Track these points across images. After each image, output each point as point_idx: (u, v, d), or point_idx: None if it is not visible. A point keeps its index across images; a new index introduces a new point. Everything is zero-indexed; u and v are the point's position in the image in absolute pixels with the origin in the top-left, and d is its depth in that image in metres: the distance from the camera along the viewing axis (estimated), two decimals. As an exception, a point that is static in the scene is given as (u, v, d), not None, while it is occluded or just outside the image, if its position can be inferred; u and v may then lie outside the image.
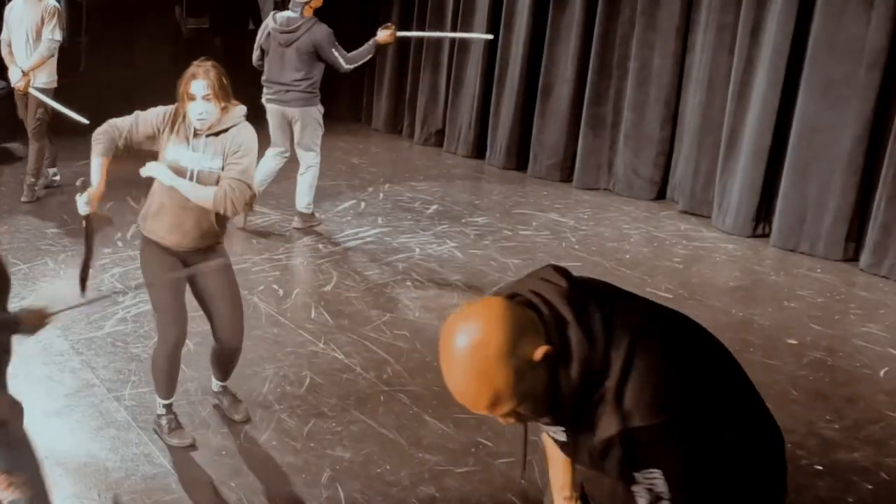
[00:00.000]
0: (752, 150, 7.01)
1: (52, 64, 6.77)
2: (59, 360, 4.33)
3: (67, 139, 8.16)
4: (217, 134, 3.43)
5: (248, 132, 3.48)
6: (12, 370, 4.21)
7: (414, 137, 10.43)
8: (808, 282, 6.15)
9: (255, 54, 6.75)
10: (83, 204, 3.36)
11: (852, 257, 6.57)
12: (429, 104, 10.22)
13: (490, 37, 8.29)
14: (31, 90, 6.65)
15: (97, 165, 3.41)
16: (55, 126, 7.08)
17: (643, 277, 6.00)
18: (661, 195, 8.16)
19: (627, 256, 6.51)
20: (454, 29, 9.72)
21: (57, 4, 6.73)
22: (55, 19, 6.65)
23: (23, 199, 6.95)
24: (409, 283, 5.70)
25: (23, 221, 6.65)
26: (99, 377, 4.18)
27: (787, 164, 6.84)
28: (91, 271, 3.53)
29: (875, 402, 4.39)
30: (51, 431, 3.71)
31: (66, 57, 7.53)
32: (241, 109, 3.53)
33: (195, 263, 3.54)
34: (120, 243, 6.11)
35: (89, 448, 3.60)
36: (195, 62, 3.43)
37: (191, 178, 3.40)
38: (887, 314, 5.59)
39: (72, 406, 3.92)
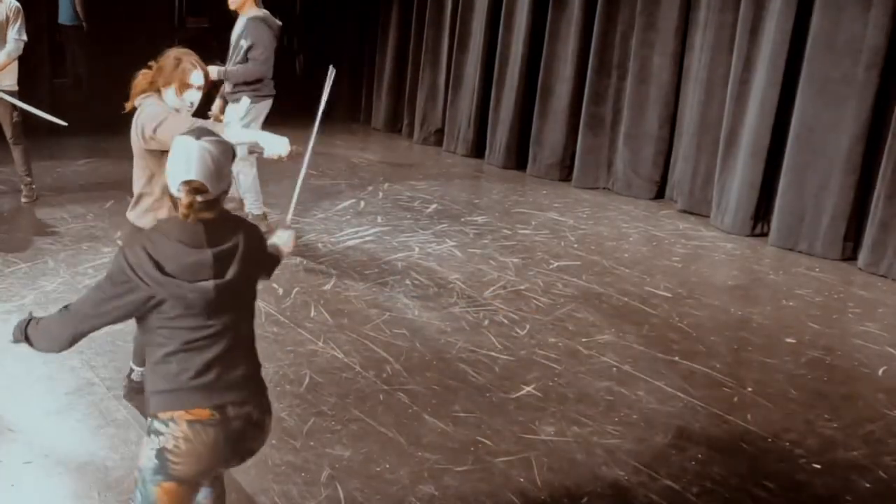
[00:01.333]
0: (751, 149, 7.03)
1: (15, 67, 6.65)
2: (60, 359, 4.33)
3: (67, 139, 8.18)
4: None
5: None
6: (11, 370, 4.24)
7: (413, 136, 10.44)
8: (807, 281, 6.16)
9: (269, 66, 6.27)
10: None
11: (850, 256, 6.59)
12: (428, 103, 10.23)
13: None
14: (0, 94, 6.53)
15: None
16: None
17: (642, 276, 6.01)
18: (660, 194, 8.18)
19: (626, 255, 6.52)
20: (453, 27, 9.74)
21: (19, 4, 6.61)
22: (20, 19, 6.53)
23: (23, 199, 6.95)
24: (408, 282, 5.70)
25: (23, 221, 6.66)
26: (99, 376, 4.19)
27: (785, 164, 6.85)
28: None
29: (873, 400, 4.40)
30: (51, 430, 3.72)
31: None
32: None
33: None
34: (120, 242, 6.11)
35: (89, 447, 3.60)
36: (178, 50, 3.52)
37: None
38: (886, 313, 5.60)
39: (72, 405, 3.92)
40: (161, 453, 2.28)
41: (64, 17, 10.40)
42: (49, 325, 2.41)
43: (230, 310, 2.34)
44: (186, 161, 2.26)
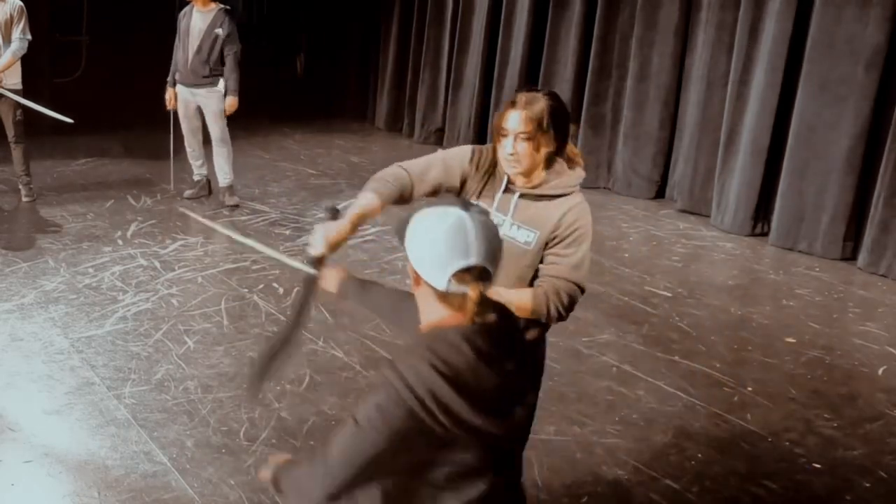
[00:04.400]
0: (751, 149, 7.03)
1: (18, 66, 6.66)
2: (60, 359, 4.34)
3: (67, 138, 8.18)
4: (539, 198, 2.54)
5: (584, 210, 2.54)
6: (12, 369, 4.24)
7: (414, 136, 10.45)
8: (807, 280, 6.16)
9: None
10: (319, 240, 2.50)
11: (850, 256, 6.59)
12: (429, 103, 10.23)
13: None
14: (4, 91, 6.53)
15: (364, 203, 2.54)
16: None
17: (642, 276, 6.01)
18: (660, 194, 8.18)
19: (626, 255, 6.52)
20: (454, 27, 9.75)
21: (22, 4, 6.63)
22: (24, 18, 6.57)
23: (24, 198, 6.95)
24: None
25: (23, 220, 6.66)
26: (99, 375, 4.19)
27: (785, 163, 6.85)
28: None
29: (873, 400, 4.40)
30: (51, 429, 3.72)
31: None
32: (579, 175, 2.60)
33: None
34: (120, 241, 6.12)
35: (89, 446, 3.60)
36: (523, 90, 2.62)
37: None
38: (885, 313, 5.60)
39: (72, 404, 3.92)
40: None
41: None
42: (300, 478, 1.81)
43: (516, 446, 1.85)
44: (464, 241, 1.69)
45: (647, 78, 8.00)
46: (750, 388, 4.44)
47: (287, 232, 6.62)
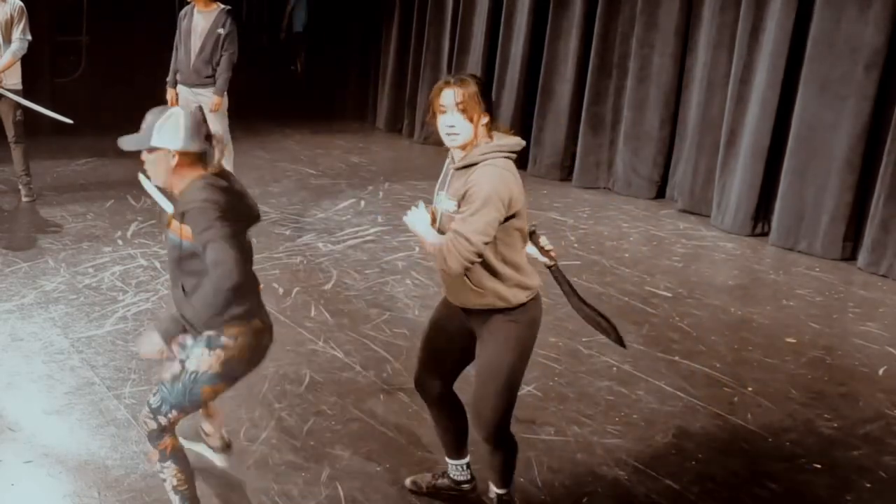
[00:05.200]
0: (751, 149, 7.03)
1: (18, 66, 6.66)
2: (60, 359, 4.34)
3: (67, 138, 8.19)
4: (463, 170, 2.81)
5: (488, 172, 2.74)
6: (12, 369, 4.24)
7: (414, 136, 10.45)
8: (807, 280, 6.16)
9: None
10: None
11: (850, 256, 6.58)
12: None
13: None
14: (4, 91, 6.53)
15: None
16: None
17: (642, 276, 6.01)
18: (660, 194, 8.18)
19: (627, 255, 6.52)
20: (454, 28, 9.76)
21: (23, 4, 6.63)
22: (24, 19, 6.58)
23: (24, 198, 6.95)
24: (408, 281, 5.70)
25: (23, 220, 6.66)
26: (99, 375, 4.19)
27: (785, 164, 6.85)
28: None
29: (873, 400, 4.40)
30: (51, 429, 3.72)
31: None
32: (499, 142, 2.85)
33: (477, 328, 3.00)
34: (120, 241, 6.12)
35: (89, 446, 3.60)
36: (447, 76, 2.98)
37: (434, 222, 2.92)
38: (885, 313, 5.60)
39: (72, 404, 3.92)
40: (228, 362, 2.76)
41: (298, 26, 12.50)
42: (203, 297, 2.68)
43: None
44: (191, 123, 2.90)
45: (647, 78, 8.00)
46: (750, 388, 4.44)
47: (287, 232, 6.63)
